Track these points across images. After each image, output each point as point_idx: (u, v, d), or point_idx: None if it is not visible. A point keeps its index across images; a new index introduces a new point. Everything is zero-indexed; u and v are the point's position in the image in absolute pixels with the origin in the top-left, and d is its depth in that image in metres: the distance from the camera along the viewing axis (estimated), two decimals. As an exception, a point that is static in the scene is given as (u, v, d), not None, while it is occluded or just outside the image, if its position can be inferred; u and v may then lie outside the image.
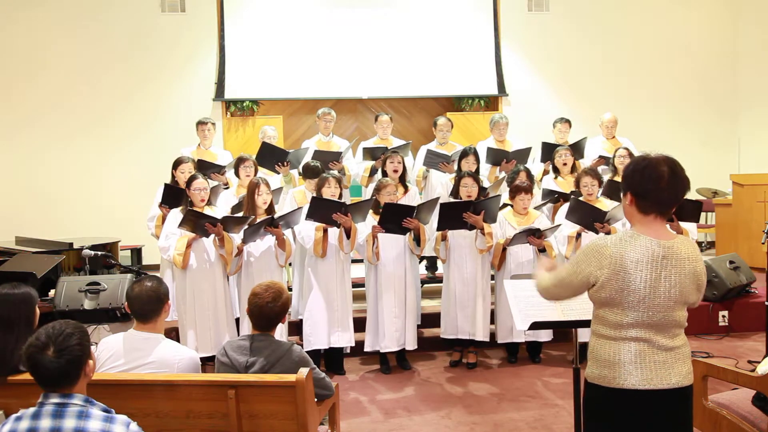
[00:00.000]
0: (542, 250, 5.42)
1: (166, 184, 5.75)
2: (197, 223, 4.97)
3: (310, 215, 5.15)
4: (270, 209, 5.23)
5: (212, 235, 5.05)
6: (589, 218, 5.24)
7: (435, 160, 6.40)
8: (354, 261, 5.68)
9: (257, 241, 5.21)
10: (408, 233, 5.35)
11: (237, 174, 5.91)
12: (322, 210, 5.13)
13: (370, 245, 5.29)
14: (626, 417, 2.33)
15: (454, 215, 5.25)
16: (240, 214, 5.22)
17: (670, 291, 2.28)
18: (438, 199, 5.58)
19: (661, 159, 2.32)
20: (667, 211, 2.35)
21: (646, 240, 2.29)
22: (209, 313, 5.16)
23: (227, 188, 6.21)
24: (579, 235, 5.38)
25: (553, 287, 2.54)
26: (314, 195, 5.25)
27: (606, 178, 5.97)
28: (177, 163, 5.83)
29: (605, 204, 5.48)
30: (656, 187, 2.29)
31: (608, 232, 5.14)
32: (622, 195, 2.44)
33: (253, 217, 5.13)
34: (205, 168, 6.02)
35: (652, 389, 2.29)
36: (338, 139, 6.97)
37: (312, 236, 5.26)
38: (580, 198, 5.49)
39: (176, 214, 5.20)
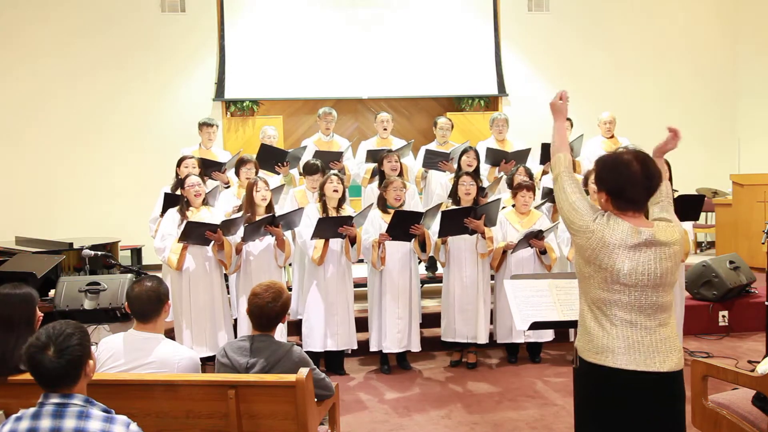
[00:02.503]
0: (543, 251, 5.42)
1: (166, 193, 5.76)
2: (197, 233, 4.97)
3: (317, 234, 5.15)
4: (269, 207, 5.23)
5: (212, 241, 5.08)
6: None
7: (434, 160, 6.41)
8: (360, 261, 5.67)
9: (256, 240, 5.21)
10: (413, 239, 5.36)
11: (238, 175, 5.91)
12: (328, 228, 5.14)
13: (375, 251, 5.29)
14: (612, 395, 2.35)
15: (455, 221, 5.24)
16: (238, 214, 5.23)
17: (650, 275, 2.31)
18: (441, 204, 5.60)
19: (632, 158, 2.35)
20: (644, 206, 2.41)
21: (626, 225, 2.34)
22: (206, 314, 5.17)
23: (228, 187, 6.22)
24: None
25: (563, 187, 2.52)
26: (320, 216, 5.21)
27: None
28: (180, 160, 5.85)
29: None
30: (632, 189, 2.34)
31: None
32: (597, 192, 2.47)
33: (249, 214, 5.13)
34: (206, 167, 6.03)
35: (637, 370, 2.31)
36: (339, 138, 6.98)
37: (313, 244, 5.26)
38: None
39: (172, 215, 5.21)
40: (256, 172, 5.81)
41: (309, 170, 5.78)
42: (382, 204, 5.45)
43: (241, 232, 5.12)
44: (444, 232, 5.33)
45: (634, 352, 2.31)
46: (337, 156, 6.35)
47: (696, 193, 8.05)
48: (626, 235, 2.32)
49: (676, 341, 2.40)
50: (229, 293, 5.56)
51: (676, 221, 2.49)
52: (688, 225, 5.33)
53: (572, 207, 2.46)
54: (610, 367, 2.32)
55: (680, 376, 2.39)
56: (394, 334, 5.37)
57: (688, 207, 5.21)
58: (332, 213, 5.30)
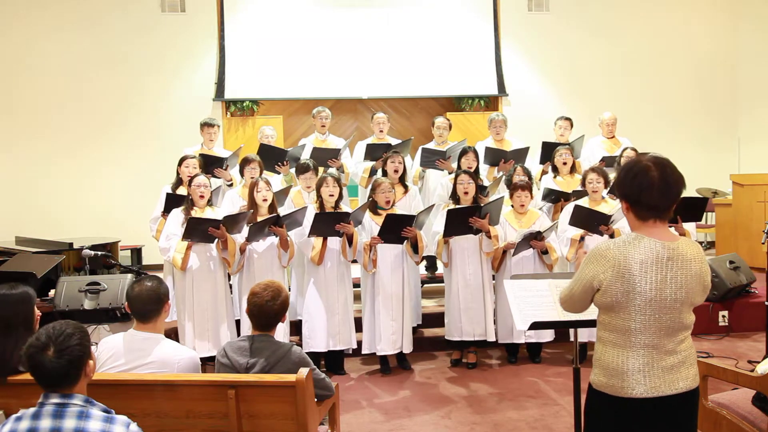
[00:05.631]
0: (545, 251, 5.42)
1: (168, 194, 5.76)
2: (200, 230, 4.98)
3: (314, 231, 5.16)
4: (272, 207, 5.23)
5: (216, 239, 5.08)
6: (593, 222, 5.21)
7: (430, 158, 6.42)
8: (354, 261, 5.68)
9: (260, 240, 5.22)
10: (405, 241, 5.35)
11: (242, 174, 5.92)
12: (325, 224, 5.15)
13: (367, 254, 5.29)
14: (633, 424, 2.31)
15: (461, 221, 5.24)
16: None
17: (676, 293, 2.26)
18: (434, 206, 5.59)
19: (650, 164, 2.28)
20: (666, 214, 2.32)
21: (651, 242, 2.27)
22: (209, 314, 5.17)
23: (230, 185, 6.23)
24: (582, 237, 5.33)
25: (566, 301, 2.51)
26: (317, 212, 5.23)
27: (612, 177, 5.92)
28: (182, 160, 5.86)
29: (611, 204, 5.45)
30: (649, 194, 2.27)
31: (612, 234, 5.11)
32: (619, 201, 2.42)
33: (252, 211, 5.14)
34: (208, 164, 6.04)
35: (660, 396, 2.27)
36: (334, 137, 6.98)
37: (311, 243, 5.26)
38: (580, 202, 5.45)
39: (177, 215, 5.22)
40: (261, 172, 5.82)
41: (301, 169, 5.78)
42: (373, 206, 5.45)
43: (245, 232, 5.13)
44: (449, 232, 5.32)
45: (657, 378, 2.27)
46: (335, 153, 6.35)
47: (699, 195, 8.08)
48: (649, 250, 2.25)
49: (693, 353, 2.36)
50: (231, 293, 5.57)
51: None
52: (690, 226, 5.32)
53: (579, 273, 2.38)
54: (632, 398, 2.28)
55: (697, 391, 2.36)
56: (389, 336, 5.37)
57: (691, 208, 5.21)
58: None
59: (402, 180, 5.88)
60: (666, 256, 2.26)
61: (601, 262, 2.30)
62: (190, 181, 5.29)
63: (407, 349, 5.47)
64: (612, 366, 2.32)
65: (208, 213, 5.25)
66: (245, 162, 5.87)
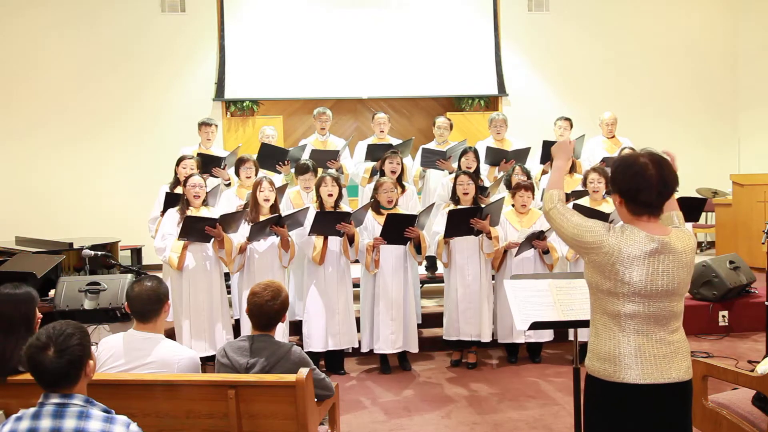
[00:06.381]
0: (546, 251, 5.42)
1: (167, 193, 5.76)
2: (197, 229, 4.97)
3: (315, 230, 5.15)
4: (274, 207, 5.23)
5: (212, 239, 5.07)
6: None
7: (431, 158, 6.42)
8: (355, 261, 5.68)
9: (261, 240, 5.21)
10: (408, 242, 5.35)
11: (237, 174, 5.92)
12: (326, 224, 5.15)
13: (369, 255, 5.29)
14: (626, 410, 2.33)
15: (461, 222, 5.23)
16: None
17: (667, 285, 2.29)
18: (434, 205, 5.57)
19: (647, 160, 2.31)
20: (659, 210, 2.37)
21: (642, 235, 2.30)
22: (205, 314, 5.17)
23: (228, 185, 6.23)
24: None
25: (561, 215, 2.49)
26: (317, 210, 5.23)
27: None
28: (180, 160, 5.86)
29: (611, 203, 5.45)
30: (647, 193, 2.30)
31: None
32: (612, 195, 2.44)
33: (247, 210, 5.14)
34: (206, 163, 6.04)
35: (652, 383, 2.29)
36: (334, 138, 6.99)
37: (312, 242, 5.26)
38: (579, 202, 5.46)
39: (173, 214, 5.22)
40: (256, 172, 5.82)
41: (300, 170, 5.78)
42: (376, 206, 5.45)
43: (245, 231, 5.13)
44: (450, 233, 5.31)
45: (650, 365, 2.29)
46: (334, 155, 6.36)
47: (698, 195, 8.07)
48: (643, 244, 2.29)
49: (686, 344, 2.38)
50: (229, 293, 5.56)
51: (683, 227, 2.49)
52: (688, 226, 5.33)
53: (578, 227, 2.42)
54: (625, 383, 2.30)
55: (690, 383, 2.38)
56: (387, 335, 5.36)
57: (689, 208, 5.21)
58: None
59: (399, 180, 5.88)
60: (657, 249, 2.29)
61: (599, 243, 2.34)
62: (185, 181, 5.29)
63: (413, 349, 5.47)
64: (604, 351, 2.36)
65: (204, 213, 5.24)
66: (240, 162, 5.88)
